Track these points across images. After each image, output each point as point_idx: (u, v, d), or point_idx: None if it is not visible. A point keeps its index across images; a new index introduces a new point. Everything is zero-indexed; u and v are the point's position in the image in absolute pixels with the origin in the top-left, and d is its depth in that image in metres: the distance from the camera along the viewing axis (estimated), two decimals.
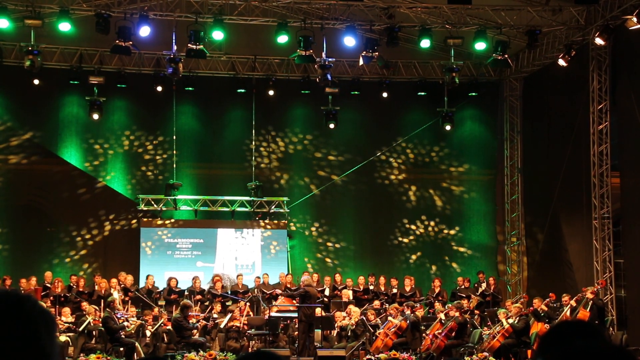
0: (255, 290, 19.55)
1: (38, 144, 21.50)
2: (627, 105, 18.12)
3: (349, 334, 17.82)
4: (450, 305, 17.67)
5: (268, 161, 22.59)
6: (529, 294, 20.53)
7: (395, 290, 20.12)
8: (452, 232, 22.79)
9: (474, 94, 22.28)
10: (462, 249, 22.73)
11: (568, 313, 16.83)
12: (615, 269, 18.83)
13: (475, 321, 18.53)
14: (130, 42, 18.13)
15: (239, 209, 21.71)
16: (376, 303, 19.40)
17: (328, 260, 22.40)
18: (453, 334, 16.64)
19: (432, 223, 22.79)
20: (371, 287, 20.20)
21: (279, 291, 19.38)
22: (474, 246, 22.77)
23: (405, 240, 22.65)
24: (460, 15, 19.08)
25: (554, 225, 20.80)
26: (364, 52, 18.94)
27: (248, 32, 20.57)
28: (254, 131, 22.28)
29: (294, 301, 17.98)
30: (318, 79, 19.62)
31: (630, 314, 18.39)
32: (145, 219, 21.45)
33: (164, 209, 21.44)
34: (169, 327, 17.03)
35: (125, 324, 17.02)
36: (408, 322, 16.94)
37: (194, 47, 18.29)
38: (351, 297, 19.85)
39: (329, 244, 22.51)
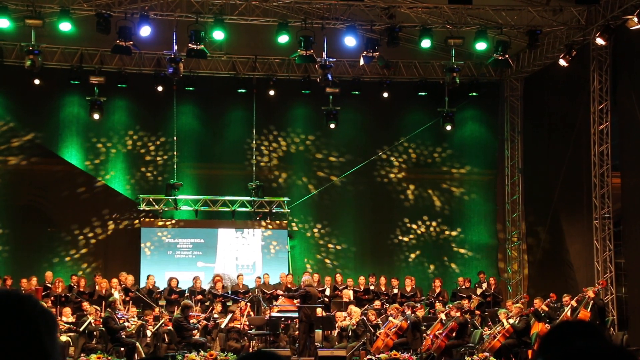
0: (256, 290, 19.55)
1: (39, 144, 21.49)
2: (627, 105, 18.11)
3: (350, 334, 17.81)
4: (450, 305, 17.66)
5: (267, 159, 22.59)
6: (529, 294, 20.53)
7: (396, 291, 20.12)
8: (454, 233, 22.78)
9: (474, 94, 22.27)
10: (462, 251, 22.72)
11: (569, 313, 16.83)
12: (616, 269, 18.83)
13: (476, 321, 18.53)
14: (131, 42, 18.14)
15: (239, 209, 21.71)
16: (377, 303, 19.38)
17: (327, 261, 22.39)
18: (454, 334, 16.63)
19: (433, 223, 22.79)
20: (372, 287, 20.20)
21: (279, 291, 19.38)
22: (475, 247, 22.76)
23: (406, 239, 22.65)
24: (460, 16, 19.08)
25: (555, 226, 20.79)
26: (365, 52, 18.94)
27: (249, 32, 20.57)
28: (254, 131, 22.28)
29: (295, 301, 17.97)
30: (319, 79, 19.62)
31: (631, 314, 18.39)
32: (146, 219, 21.46)
33: (164, 209, 21.45)
34: (170, 327, 17.03)
35: (126, 324, 17.01)
36: (409, 322, 16.93)
37: (195, 47, 18.29)
38: (352, 297, 19.85)
39: (330, 245, 22.50)
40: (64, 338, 16.42)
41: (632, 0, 16.99)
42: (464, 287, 20.33)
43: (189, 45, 18.31)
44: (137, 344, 16.57)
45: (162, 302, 19.10)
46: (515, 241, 22.62)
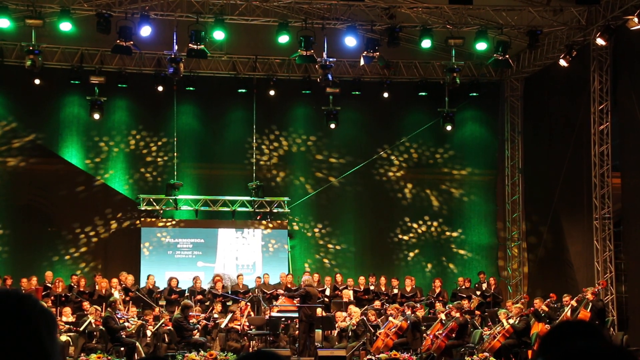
0: (256, 290, 19.54)
1: (39, 144, 21.48)
2: (628, 105, 18.11)
3: (350, 334, 17.81)
4: (450, 305, 17.66)
5: (267, 159, 22.58)
6: (529, 294, 20.53)
7: (395, 291, 20.12)
8: (455, 234, 22.77)
9: (474, 94, 22.27)
10: (462, 252, 22.71)
11: (569, 313, 16.82)
12: (616, 270, 18.82)
13: (476, 321, 18.53)
14: (131, 42, 18.14)
15: (239, 209, 21.71)
16: (377, 303, 19.38)
17: (327, 261, 22.39)
18: (454, 334, 16.62)
19: (434, 223, 22.78)
20: (372, 288, 20.20)
21: (279, 291, 19.38)
22: (475, 247, 22.76)
23: (406, 237, 22.64)
24: (461, 16, 19.07)
25: (555, 226, 20.79)
26: (365, 52, 18.93)
27: (249, 32, 20.57)
28: (254, 131, 22.28)
29: (295, 301, 17.98)
30: (319, 79, 19.63)
31: (631, 314, 18.39)
32: (147, 219, 21.46)
33: (164, 208, 21.44)
34: (170, 327, 17.03)
35: (126, 324, 17.01)
36: (409, 322, 16.93)
37: (195, 47, 18.30)
38: (352, 297, 19.85)
39: (330, 245, 22.49)
40: (64, 338, 16.42)
41: (632, 0, 16.99)
42: (464, 287, 20.33)
43: (190, 45, 18.31)
44: (137, 343, 16.56)
45: (162, 302, 19.11)
46: (515, 241, 22.62)
